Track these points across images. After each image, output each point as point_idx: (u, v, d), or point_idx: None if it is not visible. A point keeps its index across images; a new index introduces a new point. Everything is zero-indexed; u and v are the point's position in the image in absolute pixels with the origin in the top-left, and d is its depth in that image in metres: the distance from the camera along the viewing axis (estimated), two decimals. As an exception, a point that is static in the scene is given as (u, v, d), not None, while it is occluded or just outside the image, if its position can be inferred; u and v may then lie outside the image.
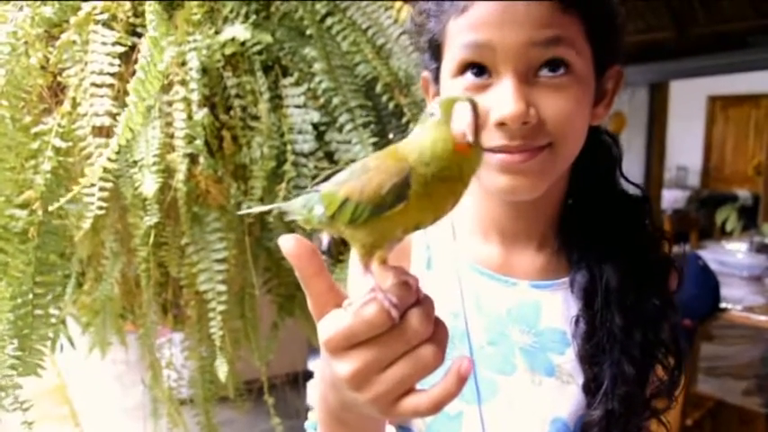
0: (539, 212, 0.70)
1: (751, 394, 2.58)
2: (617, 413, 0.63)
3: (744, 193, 7.65)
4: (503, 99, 0.58)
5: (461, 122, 0.39)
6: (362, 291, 0.41)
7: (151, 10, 1.00)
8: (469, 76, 0.61)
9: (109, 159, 0.93)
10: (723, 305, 2.35)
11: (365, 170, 0.42)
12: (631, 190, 0.75)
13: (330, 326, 0.43)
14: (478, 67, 0.60)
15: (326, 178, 0.46)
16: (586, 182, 0.70)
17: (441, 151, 0.39)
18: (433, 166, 0.40)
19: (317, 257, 0.43)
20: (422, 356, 0.41)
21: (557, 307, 0.69)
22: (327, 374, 0.46)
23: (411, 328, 0.41)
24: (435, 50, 0.66)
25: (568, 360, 0.67)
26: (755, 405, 2.55)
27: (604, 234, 0.68)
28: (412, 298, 0.42)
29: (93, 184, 0.93)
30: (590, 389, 0.66)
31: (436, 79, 0.68)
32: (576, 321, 0.67)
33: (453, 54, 0.62)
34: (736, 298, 2.49)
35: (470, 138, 0.38)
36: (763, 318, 2.33)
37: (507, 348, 0.68)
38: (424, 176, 0.40)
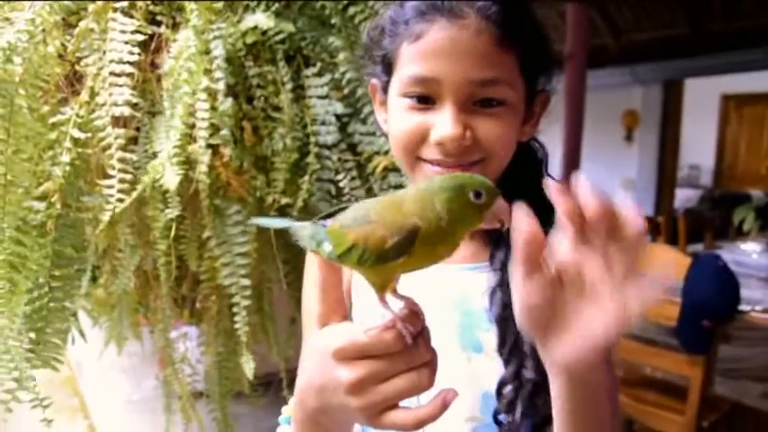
0: None
1: (769, 397, 2.54)
2: (532, 371, 0.65)
3: (757, 193, 7.57)
4: (443, 122, 0.66)
5: (502, 214, 0.46)
6: (377, 314, 0.49)
7: None
8: (414, 101, 0.68)
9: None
10: (742, 306, 2.32)
11: (370, 219, 0.46)
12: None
13: (345, 337, 0.49)
14: (424, 96, 0.68)
15: (330, 215, 0.51)
16: (515, 181, 0.73)
17: (463, 228, 0.45)
18: (446, 235, 0.45)
19: (339, 271, 0.52)
20: (418, 377, 0.48)
21: (482, 287, 0.73)
22: (315, 378, 0.52)
23: (417, 352, 0.48)
24: (387, 66, 0.72)
25: (493, 336, 0.71)
26: (773, 408, 2.51)
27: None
28: (420, 325, 0.49)
29: (112, 176, 0.91)
30: (505, 350, 0.69)
31: (385, 90, 0.75)
32: (493, 292, 0.71)
33: (402, 77, 0.69)
34: (754, 299, 2.46)
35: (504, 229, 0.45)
36: (782, 319, 2.29)
37: (442, 328, 0.69)
38: (429, 237, 0.44)
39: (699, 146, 8.60)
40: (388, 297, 0.50)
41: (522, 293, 0.46)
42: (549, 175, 0.78)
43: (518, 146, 0.73)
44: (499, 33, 0.66)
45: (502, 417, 0.67)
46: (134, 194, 0.92)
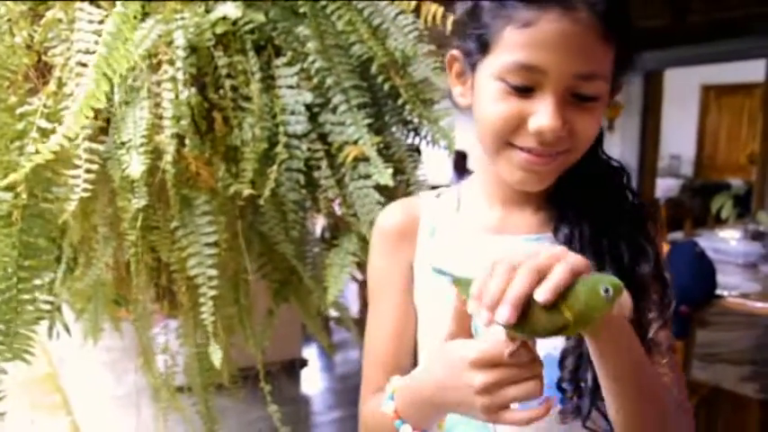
0: (546, 176, 0.79)
1: (746, 380, 2.59)
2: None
3: (737, 182, 7.66)
4: (544, 113, 0.68)
5: (626, 308, 0.59)
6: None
7: None
8: (513, 89, 0.69)
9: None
10: (718, 292, 2.35)
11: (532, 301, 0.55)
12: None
13: (481, 349, 0.60)
14: (525, 85, 0.69)
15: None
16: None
17: (598, 318, 0.56)
18: (586, 323, 0.57)
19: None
20: (534, 386, 0.59)
21: None
22: (447, 379, 0.64)
23: (535, 365, 0.59)
24: (483, 45, 0.72)
25: None
26: (750, 391, 2.55)
27: (587, 193, 0.79)
28: (535, 347, 0.61)
29: (78, 166, 0.91)
30: None
31: (472, 66, 0.75)
32: None
33: (505, 62, 0.69)
34: (731, 285, 2.50)
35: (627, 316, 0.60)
36: (758, 304, 2.33)
37: None
38: (574, 328, 0.56)
39: (679, 136, 8.67)
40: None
41: None
42: (603, 151, 0.83)
43: None
44: (605, 28, 0.67)
45: (565, 384, 0.74)
46: (82, 187, 0.91)
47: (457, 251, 0.81)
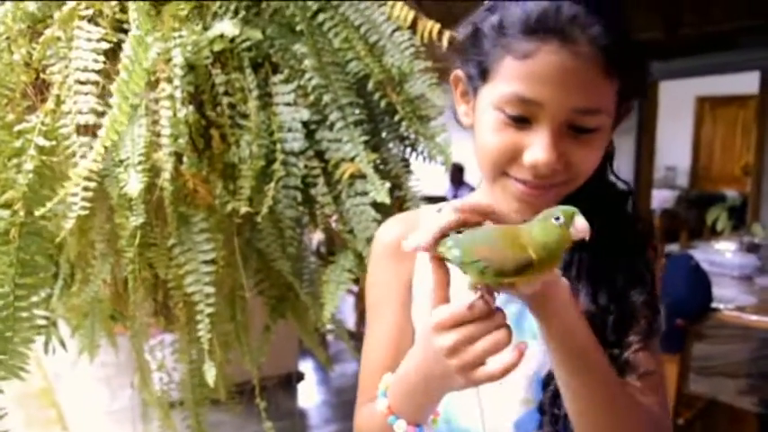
0: (541, 207, 0.76)
1: (742, 393, 2.58)
2: None
3: (732, 193, 7.68)
4: (539, 146, 0.67)
5: (583, 229, 0.56)
6: (465, 296, 0.60)
7: (135, 8, 0.97)
8: (510, 118, 0.68)
9: (94, 161, 0.91)
10: (714, 305, 2.35)
11: (496, 244, 0.58)
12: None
13: (441, 311, 0.60)
14: (522, 116, 0.68)
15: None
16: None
17: (559, 248, 0.57)
18: (549, 257, 0.56)
19: (448, 274, 0.63)
20: (500, 335, 0.58)
21: None
22: (420, 353, 0.65)
23: (496, 316, 0.59)
24: (482, 72, 0.71)
25: None
26: (747, 404, 2.55)
27: (589, 218, 0.75)
28: (494, 299, 0.60)
29: (76, 184, 0.91)
30: None
31: (475, 91, 0.74)
32: None
33: (503, 92, 0.68)
34: (727, 298, 2.50)
35: (587, 238, 0.57)
36: (753, 317, 2.33)
37: None
38: (540, 262, 0.56)
39: (675, 147, 8.71)
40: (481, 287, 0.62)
41: None
42: (613, 172, 0.82)
43: None
44: (607, 63, 0.65)
45: (547, 407, 0.74)
46: (80, 205, 0.91)
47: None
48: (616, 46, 0.65)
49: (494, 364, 0.59)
